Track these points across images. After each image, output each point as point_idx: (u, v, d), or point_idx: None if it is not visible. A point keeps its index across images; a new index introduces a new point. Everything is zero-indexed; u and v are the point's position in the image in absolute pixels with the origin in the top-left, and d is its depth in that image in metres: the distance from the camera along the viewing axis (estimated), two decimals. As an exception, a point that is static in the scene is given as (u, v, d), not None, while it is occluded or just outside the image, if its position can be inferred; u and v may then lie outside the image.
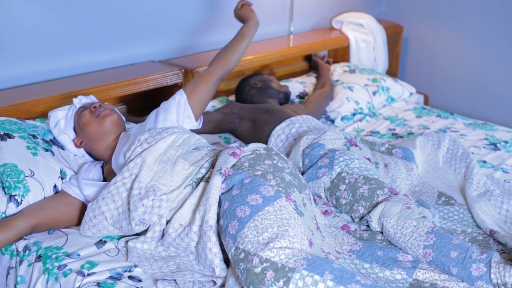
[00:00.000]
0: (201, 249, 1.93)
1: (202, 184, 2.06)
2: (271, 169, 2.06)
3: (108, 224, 2.07)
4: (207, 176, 2.10)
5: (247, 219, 1.88)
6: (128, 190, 2.07)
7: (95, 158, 2.39)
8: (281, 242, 1.81)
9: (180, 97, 2.39)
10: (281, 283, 1.73)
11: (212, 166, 2.13)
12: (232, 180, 2.02)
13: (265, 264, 1.76)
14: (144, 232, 2.07)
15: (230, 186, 2.02)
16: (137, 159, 2.12)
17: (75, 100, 2.36)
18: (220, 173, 2.03)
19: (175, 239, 1.99)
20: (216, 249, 1.92)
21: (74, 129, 2.35)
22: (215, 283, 1.89)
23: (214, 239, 1.92)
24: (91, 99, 2.42)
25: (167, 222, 2.03)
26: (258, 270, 1.76)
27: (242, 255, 1.82)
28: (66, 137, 2.35)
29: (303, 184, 2.14)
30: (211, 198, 1.97)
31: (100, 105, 2.32)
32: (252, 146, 2.20)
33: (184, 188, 2.07)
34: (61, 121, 2.36)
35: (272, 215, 1.90)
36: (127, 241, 2.07)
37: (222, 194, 2.00)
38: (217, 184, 2.00)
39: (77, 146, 2.35)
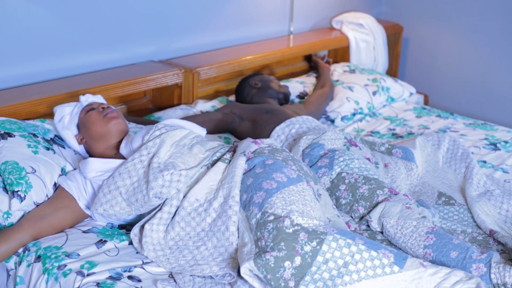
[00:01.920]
0: (221, 222, 1.96)
1: (219, 163, 2.13)
2: (290, 158, 2.16)
3: (122, 199, 2.08)
4: (224, 157, 2.16)
5: (275, 191, 1.96)
6: (145, 168, 2.10)
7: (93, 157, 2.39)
8: (308, 216, 1.90)
9: (202, 131, 2.42)
10: (314, 243, 1.79)
11: (228, 151, 2.20)
12: (253, 161, 2.11)
13: (296, 227, 1.83)
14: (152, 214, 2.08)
15: (251, 166, 2.10)
16: (156, 139, 2.18)
17: (82, 98, 2.37)
18: (244, 154, 2.12)
19: (190, 213, 2.02)
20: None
21: (78, 126, 2.35)
22: (232, 277, 1.88)
23: (239, 214, 1.98)
24: (99, 98, 2.43)
25: (183, 197, 2.06)
26: (290, 230, 1.83)
27: (272, 217, 1.88)
28: (69, 132, 2.35)
29: (317, 178, 2.24)
30: (236, 176, 2.04)
31: (108, 107, 2.34)
32: (269, 141, 2.29)
33: (201, 168, 2.13)
34: (66, 117, 2.36)
35: (296, 193, 1.98)
36: (142, 226, 2.06)
37: (244, 173, 2.08)
38: (241, 164, 2.09)
39: (78, 143, 2.36)
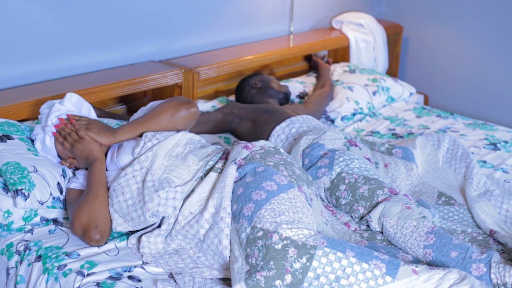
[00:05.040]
0: (213, 235, 1.95)
1: (211, 173, 2.10)
2: (282, 162, 2.13)
3: (118, 216, 2.07)
4: (216, 166, 2.13)
5: (264, 202, 1.93)
6: (138, 183, 2.08)
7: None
8: (298, 226, 1.86)
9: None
10: (304, 259, 1.76)
11: (220, 158, 2.17)
12: (244, 169, 2.07)
13: (285, 241, 1.80)
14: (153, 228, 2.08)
15: (242, 175, 2.07)
16: (148, 153, 2.14)
17: (47, 129, 2.24)
18: (235, 163, 2.08)
19: (184, 227, 2.01)
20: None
21: (59, 155, 2.29)
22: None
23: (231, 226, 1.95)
24: (54, 107, 2.29)
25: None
26: (278, 246, 1.80)
27: (260, 233, 1.85)
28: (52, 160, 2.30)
29: (310, 180, 2.21)
30: (227, 186, 2.01)
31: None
32: (262, 142, 2.25)
33: (196, 180, 2.11)
34: (38, 144, 2.29)
35: (287, 201, 1.95)
36: (140, 236, 2.06)
37: (234, 182, 2.05)
38: (232, 173, 2.05)
39: (67, 167, 2.30)
